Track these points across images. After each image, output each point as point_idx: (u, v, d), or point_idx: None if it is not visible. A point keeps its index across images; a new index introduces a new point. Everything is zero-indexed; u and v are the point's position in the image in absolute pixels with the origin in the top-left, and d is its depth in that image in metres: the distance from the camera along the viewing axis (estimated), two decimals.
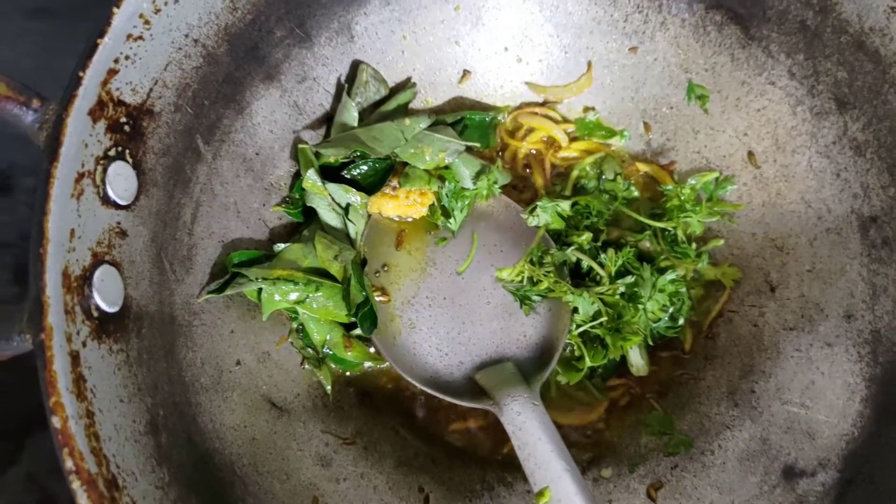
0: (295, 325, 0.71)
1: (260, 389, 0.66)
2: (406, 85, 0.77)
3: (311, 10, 0.69)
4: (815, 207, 0.69)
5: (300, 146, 0.71)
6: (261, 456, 0.63)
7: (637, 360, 0.71)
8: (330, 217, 0.70)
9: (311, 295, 0.67)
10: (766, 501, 0.63)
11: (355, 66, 0.75)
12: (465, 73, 0.79)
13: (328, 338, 0.70)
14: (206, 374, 0.62)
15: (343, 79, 0.75)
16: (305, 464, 0.66)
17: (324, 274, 0.67)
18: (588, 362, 0.69)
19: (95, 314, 0.51)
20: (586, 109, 0.80)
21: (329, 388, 0.70)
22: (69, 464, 0.45)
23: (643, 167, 0.78)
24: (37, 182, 0.87)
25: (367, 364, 0.72)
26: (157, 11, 0.56)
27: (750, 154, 0.73)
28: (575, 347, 0.69)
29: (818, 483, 0.62)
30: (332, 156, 0.70)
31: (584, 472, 0.69)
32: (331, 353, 0.71)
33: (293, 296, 0.66)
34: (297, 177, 0.73)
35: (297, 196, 0.72)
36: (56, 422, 0.45)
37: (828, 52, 0.66)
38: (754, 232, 0.73)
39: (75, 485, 0.45)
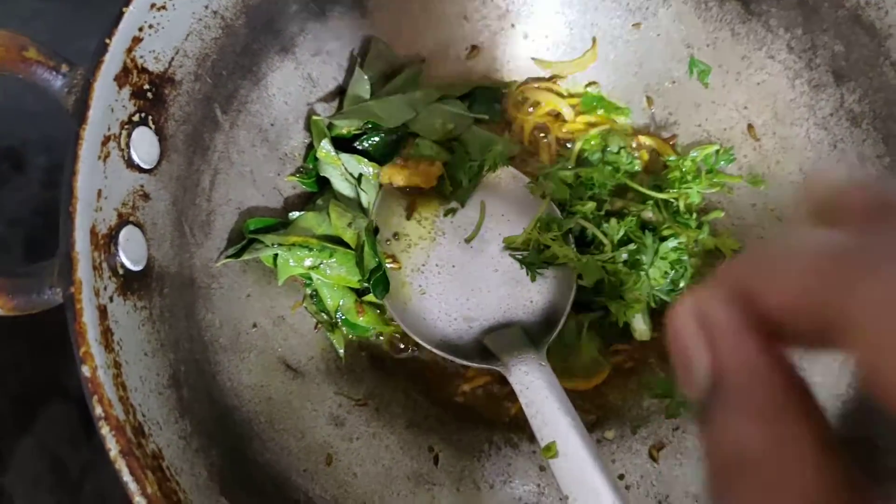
0: (309, 290, 0.73)
1: (275, 351, 0.68)
2: (416, 59, 0.79)
3: None
4: None
5: (314, 118, 0.73)
6: (277, 414, 0.65)
7: (640, 326, 0.72)
8: (343, 186, 0.72)
9: (325, 261, 0.69)
10: None
11: (367, 40, 0.76)
12: (474, 48, 0.80)
13: (341, 303, 0.71)
14: (224, 335, 0.64)
15: (356, 52, 0.76)
16: (319, 423, 0.68)
17: (337, 241, 0.69)
18: (585, 337, 0.71)
19: (121, 271, 0.53)
20: (588, 84, 0.81)
21: (342, 351, 0.72)
22: (98, 410, 0.47)
23: (646, 140, 0.80)
24: (49, 157, 0.89)
25: (377, 329, 0.74)
26: None
27: (750, 127, 0.75)
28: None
29: None
30: (344, 127, 0.72)
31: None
32: (344, 318, 0.73)
33: (308, 262, 0.68)
34: (310, 148, 0.75)
35: (311, 166, 0.74)
36: (86, 370, 0.47)
37: (825, 26, 0.67)
38: (754, 202, 0.75)
39: (104, 430, 0.47)
